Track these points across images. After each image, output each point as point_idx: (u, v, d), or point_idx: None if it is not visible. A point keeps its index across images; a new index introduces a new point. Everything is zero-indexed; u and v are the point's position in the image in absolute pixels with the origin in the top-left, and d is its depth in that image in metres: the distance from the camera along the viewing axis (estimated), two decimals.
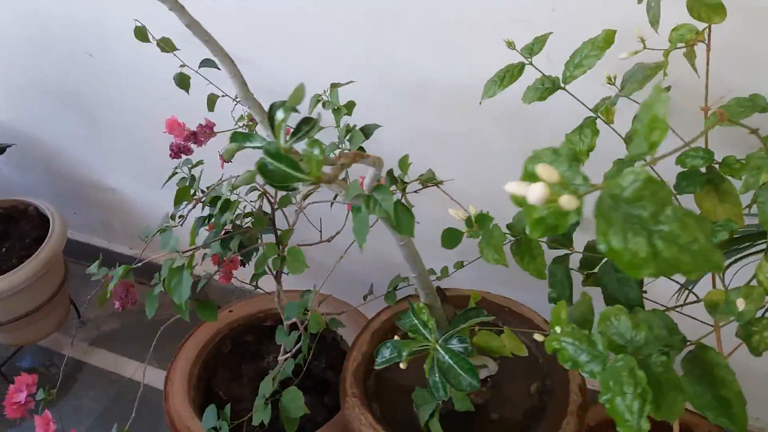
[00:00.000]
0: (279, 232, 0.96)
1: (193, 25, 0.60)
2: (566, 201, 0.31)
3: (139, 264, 0.90)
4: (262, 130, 0.70)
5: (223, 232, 0.98)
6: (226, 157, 0.53)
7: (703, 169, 0.79)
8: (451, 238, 0.75)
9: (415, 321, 0.73)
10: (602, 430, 1.13)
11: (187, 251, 0.84)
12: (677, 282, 0.90)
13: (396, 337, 0.79)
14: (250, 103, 0.64)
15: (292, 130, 0.48)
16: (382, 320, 1.07)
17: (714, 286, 0.81)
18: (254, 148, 0.50)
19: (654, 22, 0.72)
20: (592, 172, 0.39)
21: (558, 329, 0.72)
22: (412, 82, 1.09)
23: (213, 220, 0.98)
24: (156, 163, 1.58)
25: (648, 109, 0.34)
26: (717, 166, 0.77)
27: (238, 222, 1.02)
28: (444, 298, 0.82)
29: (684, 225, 0.30)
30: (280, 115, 0.46)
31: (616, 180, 0.32)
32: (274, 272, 0.99)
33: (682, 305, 0.83)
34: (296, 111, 0.47)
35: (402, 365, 0.76)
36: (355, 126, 0.92)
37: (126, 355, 1.79)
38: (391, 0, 1.01)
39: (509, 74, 0.80)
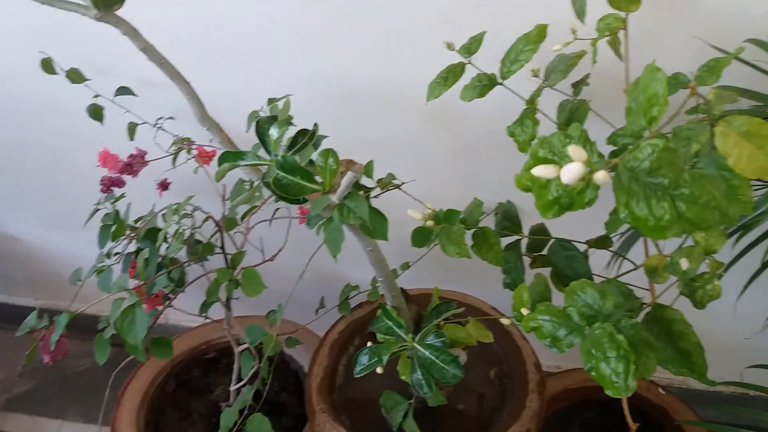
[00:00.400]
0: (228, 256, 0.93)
1: (149, 50, 0.58)
2: (602, 176, 0.33)
3: (84, 309, 0.84)
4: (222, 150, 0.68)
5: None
6: (218, 178, 0.51)
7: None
8: (421, 237, 0.76)
9: (390, 323, 0.74)
10: (553, 403, 1.20)
11: (138, 287, 0.80)
12: (613, 251, 0.97)
13: (369, 343, 0.79)
14: (208, 123, 0.62)
15: (285, 145, 0.47)
16: (338, 331, 1.06)
17: (647, 253, 0.89)
18: (251, 165, 0.49)
19: (580, 14, 0.78)
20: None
21: (524, 311, 0.76)
22: (345, 90, 1.09)
23: (147, 254, 0.93)
24: (64, 205, 1.48)
25: (645, 88, 0.37)
26: None
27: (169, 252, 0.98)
28: (408, 299, 0.83)
29: (701, 185, 0.33)
30: (274, 131, 0.45)
31: (633, 153, 0.35)
32: (225, 299, 0.96)
33: (623, 274, 0.90)
34: (292, 124, 0.46)
35: (379, 370, 0.76)
36: (293, 135, 0.92)
37: (45, 415, 1.65)
38: (320, 12, 1.01)
39: (452, 74, 0.83)
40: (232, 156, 0.48)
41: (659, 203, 0.33)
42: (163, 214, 0.93)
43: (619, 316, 0.65)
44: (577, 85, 0.95)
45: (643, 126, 0.39)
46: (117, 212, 0.99)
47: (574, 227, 0.98)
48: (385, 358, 0.71)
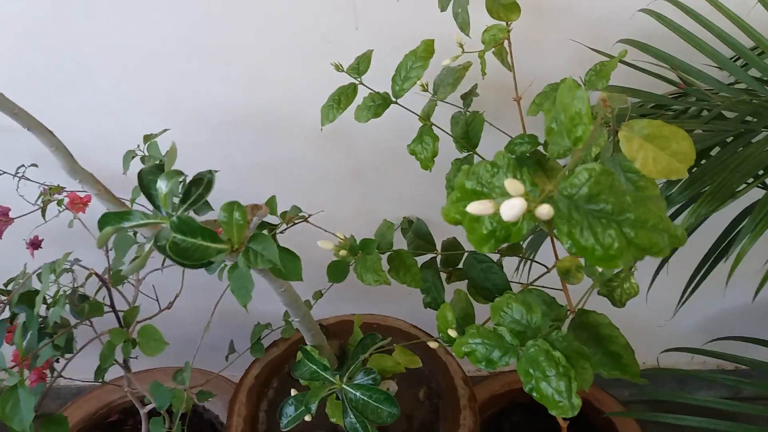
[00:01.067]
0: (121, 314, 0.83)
1: None
2: (546, 211, 0.31)
3: None
4: (99, 202, 0.59)
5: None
6: (100, 244, 0.44)
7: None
8: (337, 271, 0.72)
9: (313, 366, 0.69)
10: (482, 411, 1.19)
11: (18, 363, 0.69)
12: (522, 256, 0.98)
13: (293, 391, 0.73)
14: (80, 175, 0.54)
15: (179, 198, 0.41)
16: (253, 376, 0.99)
17: (556, 254, 0.90)
18: (138, 227, 0.42)
19: (464, 27, 0.77)
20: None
21: (452, 332, 0.74)
22: (233, 117, 1.03)
23: (25, 320, 0.81)
24: None
25: (565, 108, 0.36)
26: (541, 148, 0.85)
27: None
28: (329, 334, 0.78)
29: (647, 208, 0.32)
30: (162, 185, 0.39)
31: (569, 180, 0.33)
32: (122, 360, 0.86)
33: (538, 278, 0.90)
34: (182, 174, 0.40)
35: (308, 418, 0.71)
36: (186, 176, 0.84)
37: None
38: (195, 39, 0.93)
39: (344, 96, 0.79)
40: (114, 218, 0.42)
41: (605, 231, 0.31)
42: (38, 274, 0.81)
43: (547, 328, 0.64)
44: (467, 97, 0.95)
45: (568, 147, 0.37)
46: None
47: None
48: (314, 407, 0.66)
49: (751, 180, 0.72)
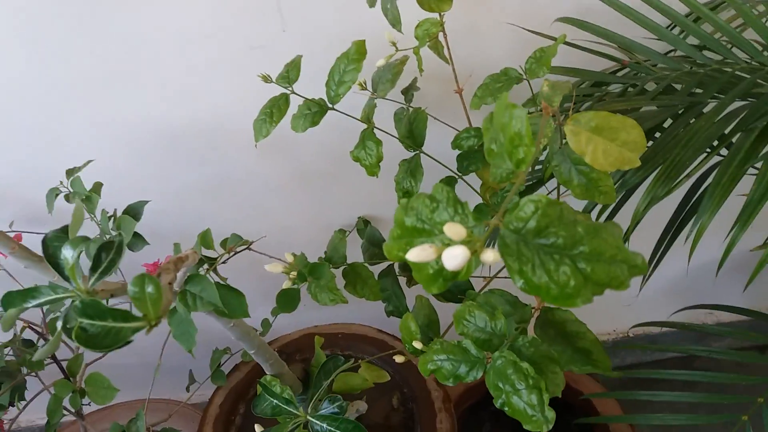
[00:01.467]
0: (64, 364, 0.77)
1: None
2: (492, 256, 0.28)
3: None
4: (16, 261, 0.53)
5: None
6: (5, 328, 0.39)
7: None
8: (288, 300, 0.67)
9: (274, 401, 0.65)
10: (459, 405, 1.18)
11: None
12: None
13: (258, 428, 0.69)
14: None
15: (89, 268, 0.37)
16: (218, 405, 0.95)
17: None
18: (46, 304, 0.37)
19: (395, 23, 0.73)
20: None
21: (417, 344, 0.71)
22: (162, 138, 0.97)
23: None
24: None
25: (503, 128, 0.32)
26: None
27: None
28: (289, 358, 0.75)
29: (602, 239, 0.29)
30: (69, 253, 0.34)
31: (514, 213, 0.30)
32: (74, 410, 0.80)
33: (498, 271, 0.88)
34: (89, 241, 0.36)
35: None
36: (115, 210, 0.78)
37: None
38: (113, 62, 0.87)
39: (276, 108, 0.74)
40: (18, 298, 0.37)
41: (559, 268, 0.28)
42: None
43: (513, 331, 0.62)
44: (408, 92, 0.91)
45: (511, 169, 0.34)
46: None
47: None
48: None
49: (704, 155, 0.71)
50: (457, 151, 0.83)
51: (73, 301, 0.37)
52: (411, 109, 0.85)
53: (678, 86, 0.81)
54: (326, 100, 0.78)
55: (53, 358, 0.78)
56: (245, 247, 0.70)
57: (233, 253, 0.69)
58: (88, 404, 0.84)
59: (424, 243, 0.33)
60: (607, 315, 1.48)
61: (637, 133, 0.56)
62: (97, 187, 0.84)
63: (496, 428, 1.13)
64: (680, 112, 0.77)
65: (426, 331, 0.75)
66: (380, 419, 0.95)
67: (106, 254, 0.38)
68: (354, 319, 1.17)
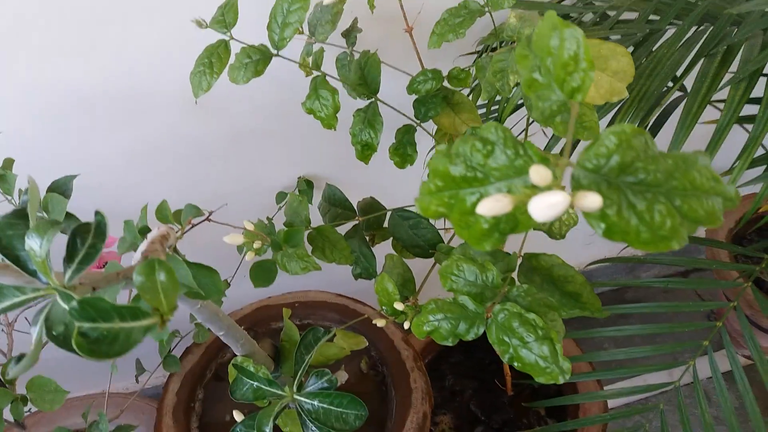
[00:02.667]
0: None
1: None
2: (596, 200, 0.23)
3: None
4: None
5: None
6: None
7: None
8: (264, 272, 0.60)
9: (255, 383, 0.59)
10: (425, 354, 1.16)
11: None
12: None
13: (237, 415, 0.63)
14: None
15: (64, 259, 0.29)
16: (174, 393, 0.87)
17: None
18: (13, 308, 0.30)
19: None
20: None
21: (398, 305, 0.67)
22: (77, 100, 0.84)
23: None
24: None
25: (552, 52, 0.27)
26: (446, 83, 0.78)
27: None
28: (256, 335, 0.68)
29: (696, 171, 0.25)
30: (35, 243, 0.27)
31: (593, 150, 0.25)
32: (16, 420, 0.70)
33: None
34: (60, 225, 0.28)
35: None
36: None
37: None
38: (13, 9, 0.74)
39: (216, 57, 0.66)
40: None
41: (652, 207, 0.24)
42: None
43: (502, 283, 0.59)
44: (350, 34, 0.84)
45: (562, 101, 0.30)
46: None
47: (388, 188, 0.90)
48: (268, 428, 0.57)
49: (670, 84, 0.70)
50: (412, 97, 0.78)
51: (48, 301, 0.30)
52: (356, 54, 0.78)
53: (634, 15, 0.79)
54: (269, 45, 0.69)
55: None
56: (203, 218, 0.62)
57: (191, 226, 0.61)
58: (29, 411, 0.75)
59: (476, 193, 0.28)
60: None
61: (627, 61, 0.53)
62: (9, 163, 0.72)
63: (458, 380, 1.13)
64: (641, 40, 0.75)
65: (402, 291, 0.71)
66: (352, 386, 0.91)
67: (81, 240, 0.30)
68: (300, 286, 1.11)
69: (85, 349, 0.25)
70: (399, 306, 0.65)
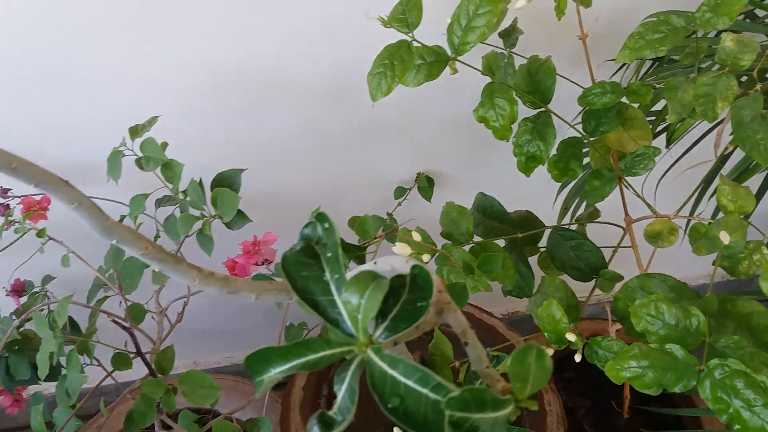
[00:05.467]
0: None
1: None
2: None
3: None
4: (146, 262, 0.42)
5: None
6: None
7: None
8: (458, 294, 0.57)
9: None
10: None
11: None
12: (603, 222, 0.87)
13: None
14: (117, 234, 0.36)
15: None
16: (300, 388, 0.86)
17: (626, 212, 0.80)
18: (308, 366, 0.27)
19: None
20: None
21: (570, 336, 0.63)
22: (219, 81, 0.83)
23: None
24: None
25: None
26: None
27: None
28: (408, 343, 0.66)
29: None
30: (353, 299, 0.24)
31: None
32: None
33: (619, 243, 0.80)
34: (379, 279, 0.25)
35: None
36: (201, 180, 0.66)
37: None
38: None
39: (398, 59, 0.62)
40: (277, 356, 0.26)
41: None
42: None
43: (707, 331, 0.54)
44: (510, 35, 0.80)
45: None
46: None
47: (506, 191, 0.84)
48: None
49: None
50: (568, 105, 0.73)
51: (358, 356, 0.27)
52: (532, 58, 0.73)
53: None
54: (447, 49, 0.66)
55: (138, 353, 0.67)
56: (393, 229, 0.60)
57: (381, 239, 0.58)
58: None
59: None
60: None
61: None
62: (163, 146, 0.71)
63: (570, 397, 1.09)
64: None
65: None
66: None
67: (395, 299, 0.27)
68: None
69: None
70: (571, 337, 0.62)
